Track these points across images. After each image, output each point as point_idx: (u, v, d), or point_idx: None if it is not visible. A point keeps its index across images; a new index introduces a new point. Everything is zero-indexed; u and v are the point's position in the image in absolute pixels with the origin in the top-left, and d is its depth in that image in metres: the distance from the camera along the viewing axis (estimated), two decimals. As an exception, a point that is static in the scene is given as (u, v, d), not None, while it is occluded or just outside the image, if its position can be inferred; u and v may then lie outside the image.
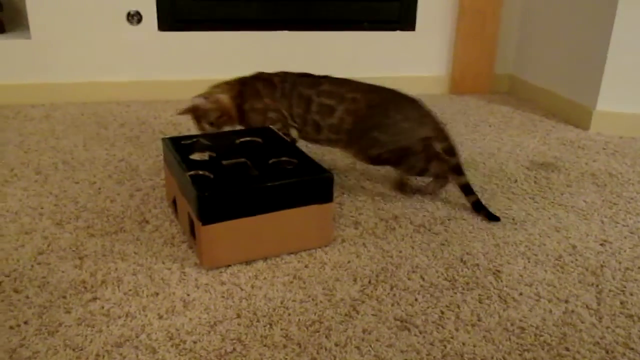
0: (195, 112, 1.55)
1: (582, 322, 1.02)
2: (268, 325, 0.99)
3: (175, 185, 1.27)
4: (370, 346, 0.94)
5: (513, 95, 2.58)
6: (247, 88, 1.55)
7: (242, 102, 1.55)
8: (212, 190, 1.11)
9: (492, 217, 1.38)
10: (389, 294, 1.09)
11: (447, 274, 1.16)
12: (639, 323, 1.02)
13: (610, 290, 1.12)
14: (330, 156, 1.68)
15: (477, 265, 1.20)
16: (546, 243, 1.29)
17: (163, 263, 1.16)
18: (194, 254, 1.19)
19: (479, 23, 2.48)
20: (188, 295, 1.06)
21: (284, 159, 1.26)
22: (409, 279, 1.14)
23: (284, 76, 1.54)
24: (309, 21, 2.39)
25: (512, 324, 1.01)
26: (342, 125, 1.45)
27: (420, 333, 0.98)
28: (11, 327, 0.96)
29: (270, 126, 1.47)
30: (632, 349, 0.96)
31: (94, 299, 1.04)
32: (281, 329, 0.98)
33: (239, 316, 1.01)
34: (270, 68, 1.59)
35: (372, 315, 1.02)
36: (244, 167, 1.24)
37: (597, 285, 1.13)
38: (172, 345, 0.93)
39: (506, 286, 1.12)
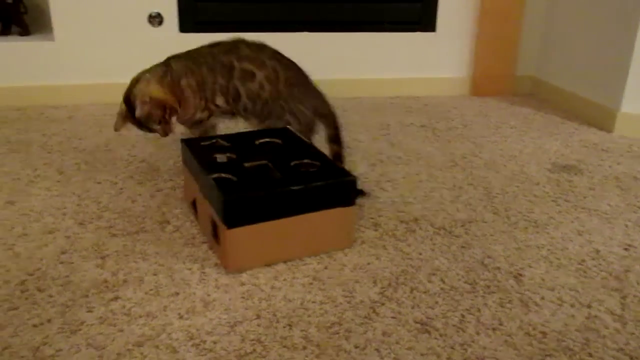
0: (140, 119, 1.43)
1: (606, 328, 1.01)
2: (287, 327, 0.99)
3: (195, 187, 1.28)
4: (390, 349, 0.94)
5: (535, 97, 2.55)
6: (170, 69, 1.47)
7: (172, 82, 1.46)
8: (238, 194, 1.11)
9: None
10: (409, 296, 1.08)
11: (467, 277, 1.15)
12: (665, 329, 1.00)
13: (634, 296, 1.10)
14: (350, 158, 1.68)
15: (498, 268, 1.19)
16: (569, 247, 1.28)
17: (183, 263, 1.17)
18: (214, 254, 1.20)
19: (500, 24, 2.45)
20: (208, 295, 1.07)
21: (305, 161, 1.27)
22: (429, 281, 1.13)
23: (199, 50, 1.51)
24: (330, 22, 2.39)
25: (533, 329, 1.00)
26: (261, 94, 1.47)
27: (441, 336, 0.97)
28: (34, 325, 0.98)
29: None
30: (658, 355, 0.94)
31: (116, 298, 1.06)
32: (301, 330, 0.98)
33: (258, 317, 1.01)
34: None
35: (392, 317, 1.02)
36: (265, 170, 1.25)
37: (621, 291, 1.12)
38: (192, 345, 0.94)
39: (528, 290, 1.11)
